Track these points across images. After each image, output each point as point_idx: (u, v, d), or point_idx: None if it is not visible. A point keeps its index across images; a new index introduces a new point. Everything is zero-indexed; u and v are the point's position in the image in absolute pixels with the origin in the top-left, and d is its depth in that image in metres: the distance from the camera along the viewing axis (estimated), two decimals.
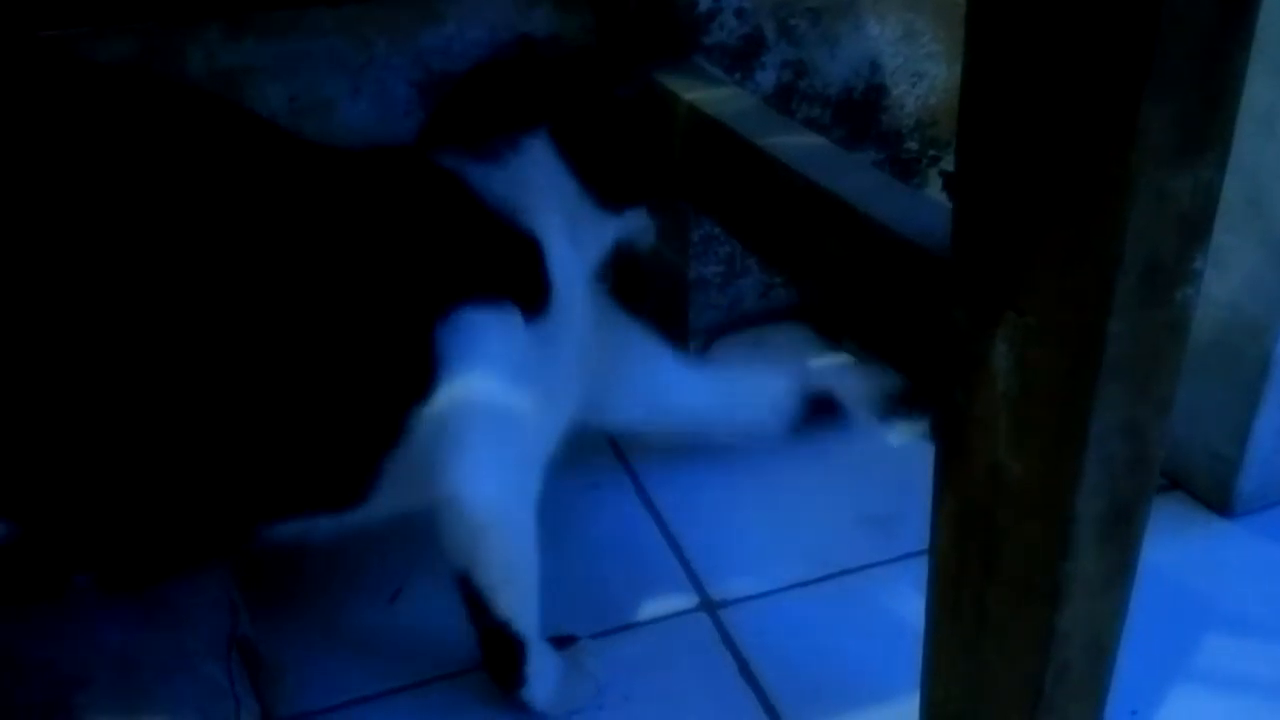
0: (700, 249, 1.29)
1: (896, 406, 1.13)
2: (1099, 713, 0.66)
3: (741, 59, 1.21)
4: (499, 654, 0.82)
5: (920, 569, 0.92)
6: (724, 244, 1.31)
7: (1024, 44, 0.50)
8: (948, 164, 1.35)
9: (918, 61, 1.28)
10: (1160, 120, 0.46)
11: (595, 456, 1.12)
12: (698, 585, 0.95)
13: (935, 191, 1.34)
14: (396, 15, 1.07)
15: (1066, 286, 0.52)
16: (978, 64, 0.54)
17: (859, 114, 1.29)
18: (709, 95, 0.94)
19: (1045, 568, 0.59)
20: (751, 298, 1.35)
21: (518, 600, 0.81)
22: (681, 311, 1.21)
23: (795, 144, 0.80)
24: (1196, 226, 0.50)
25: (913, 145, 1.33)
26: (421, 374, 0.74)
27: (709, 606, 0.93)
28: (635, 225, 0.99)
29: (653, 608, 0.93)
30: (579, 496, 1.06)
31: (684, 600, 0.94)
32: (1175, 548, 0.96)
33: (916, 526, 0.97)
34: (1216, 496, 1.00)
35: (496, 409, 0.77)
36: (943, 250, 0.63)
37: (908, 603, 0.91)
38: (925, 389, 0.66)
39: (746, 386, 1.10)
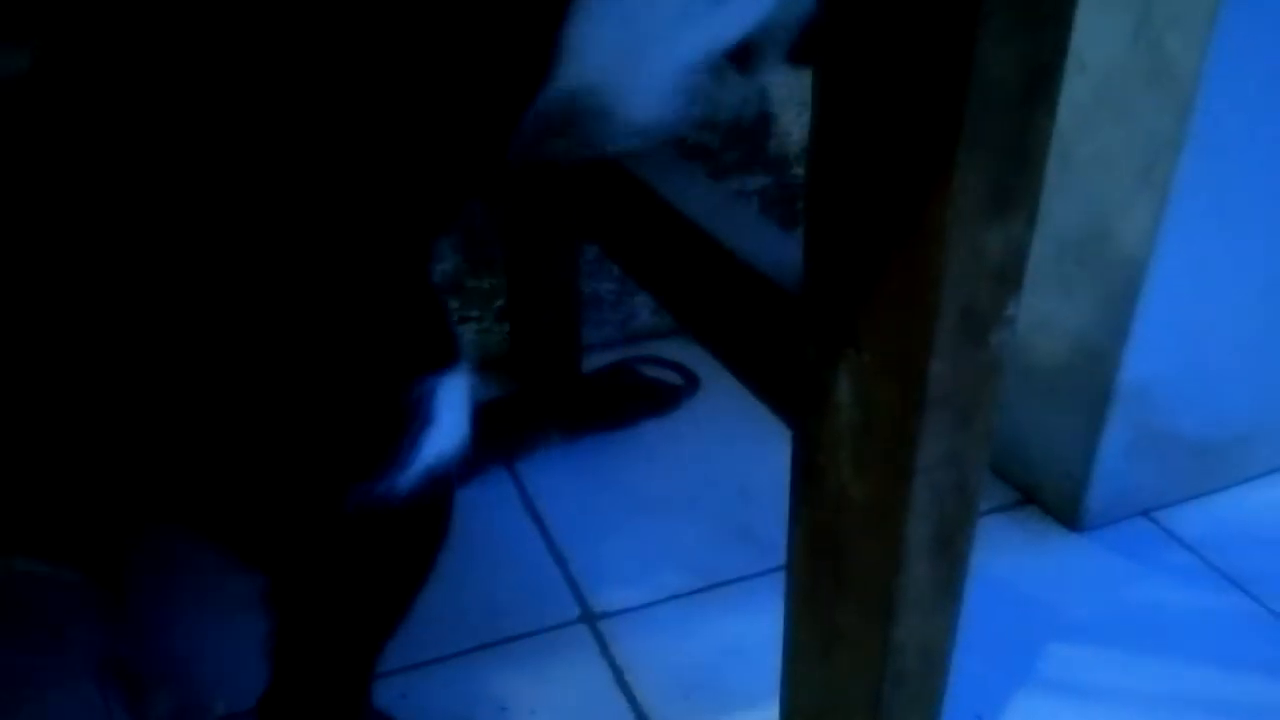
0: (594, 266, 1.32)
1: None
2: (936, 718, 0.71)
3: None
4: None
5: (783, 582, 0.98)
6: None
7: (858, 110, 0.55)
8: None
9: (804, 91, 1.33)
10: (972, 180, 0.51)
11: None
12: (579, 597, 0.99)
13: None
14: None
15: (895, 328, 0.57)
16: (822, 126, 0.58)
17: (749, 140, 1.34)
18: None
19: (882, 584, 0.64)
20: (645, 314, 1.39)
21: None
22: (574, 327, 1.24)
23: (674, 177, 0.84)
24: (1008, 277, 0.54)
25: (799, 171, 1.38)
26: None
27: (589, 618, 0.96)
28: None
29: (534, 620, 0.96)
30: (465, 507, 1.09)
31: (565, 612, 0.97)
32: (1027, 559, 1.03)
33: (784, 541, 1.03)
34: (1066, 511, 1.06)
35: None
36: (795, 286, 0.67)
37: (774, 614, 0.96)
38: (783, 416, 0.71)
39: None
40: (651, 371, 1.29)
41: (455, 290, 1.27)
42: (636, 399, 1.22)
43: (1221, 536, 1.06)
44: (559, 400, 1.22)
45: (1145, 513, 1.09)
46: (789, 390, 0.68)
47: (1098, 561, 1.03)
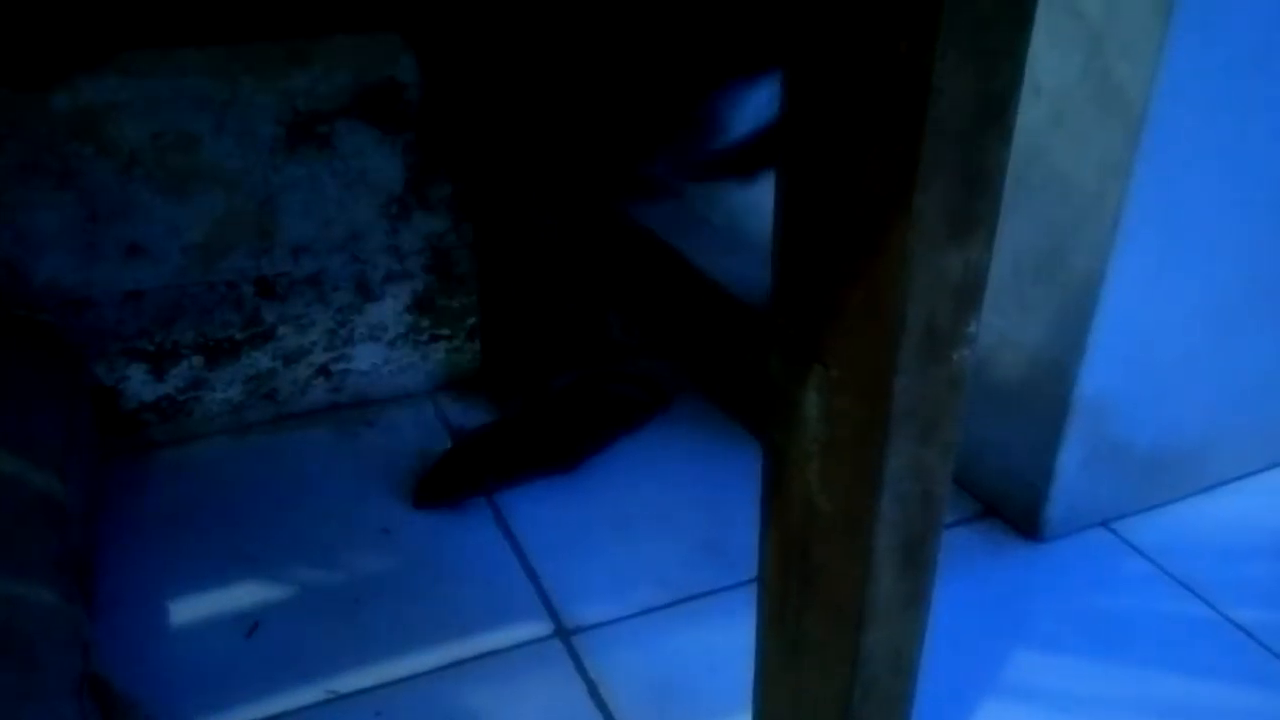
0: (561, 286, 1.34)
1: None
2: None
3: None
4: None
5: (754, 594, 1.00)
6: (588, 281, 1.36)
7: (822, 138, 0.57)
8: None
9: None
10: (932, 205, 0.53)
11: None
12: (553, 613, 1.00)
13: None
14: (264, 57, 1.09)
15: (861, 346, 0.59)
16: (789, 153, 0.60)
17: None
18: None
19: (852, 594, 0.66)
20: (614, 330, 1.41)
21: None
22: (548, 344, 1.26)
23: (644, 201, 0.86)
24: (968, 297, 0.57)
25: None
26: None
27: (563, 634, 0.98)
28: None
29: (508, 636, 0.97)
30: (439, 524, 1.10)
31: (539, 628, 0.98)
32: (988, 569, 1.05)
33: (753, 554, 1.05)
34: (1027, 522, 1.09)
35: None
36: (760, 304, 0.69)
37: (746, 625, 0.97)
38: (751, 431, 0.73)
39: None
40: (619, 387, 1.30)
41: (426, 309, 1.28)
42: (607, 417, 1.23)
43: (1178, 546, 1.09)
44: (533, 431, 1.23)
45: (1104, 523, 1.12)
46: (756, 405, 0.70)
47: (1058, 571, 1.06)
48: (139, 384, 1.19)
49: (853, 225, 0.57)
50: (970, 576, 1.04)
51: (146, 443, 1.21)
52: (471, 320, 1.32)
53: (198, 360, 1.20)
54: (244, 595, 1.00)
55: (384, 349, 1.29)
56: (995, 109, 0.53)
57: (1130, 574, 1.06)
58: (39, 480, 0.79)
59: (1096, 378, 1.00)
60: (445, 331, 1.31)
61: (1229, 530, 1.12)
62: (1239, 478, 1.19)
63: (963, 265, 0.55)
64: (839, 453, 0.63)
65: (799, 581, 0.71)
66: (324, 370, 1.27)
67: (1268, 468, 1.21)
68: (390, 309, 1.27)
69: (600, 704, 0.91)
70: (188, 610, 0.98)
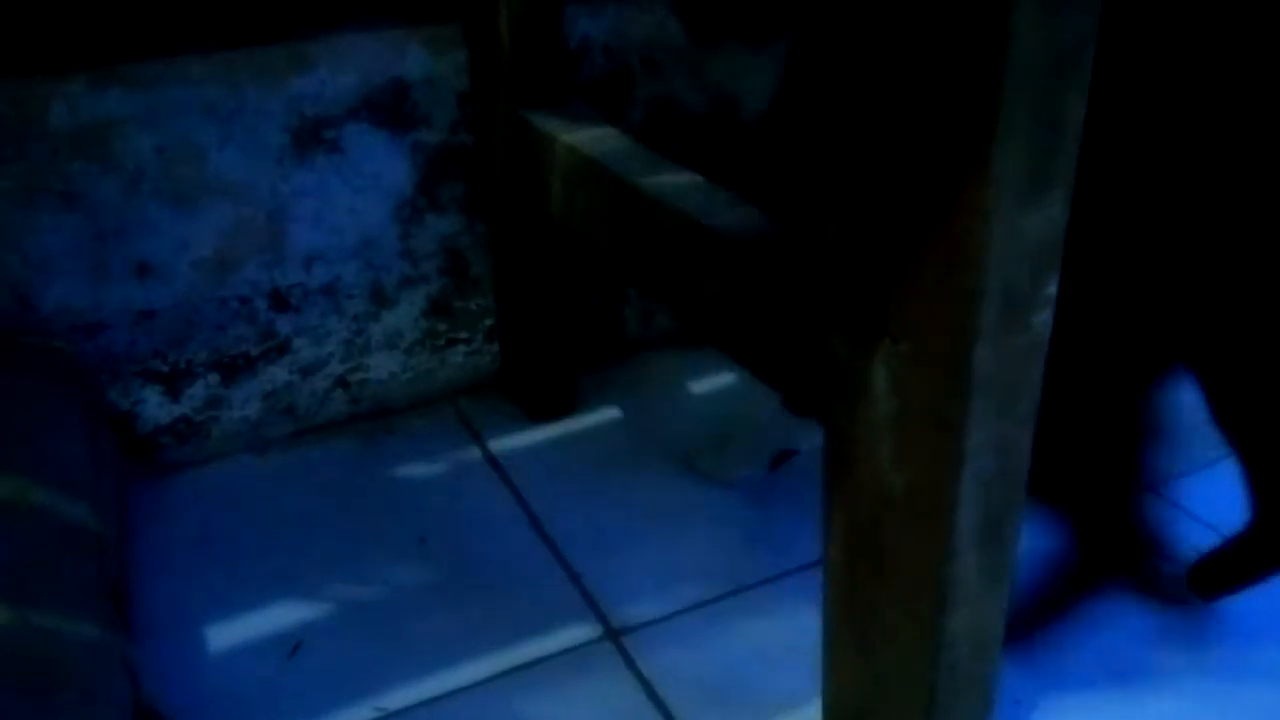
0: (579, 281, 1.31)
1: None
2: (988, 707, 0.71)
3: (611, 95, 1.24)
4: None
5: (807, 581, 0.97)
6: (605, 276, 1.34)
7: (891, 102, 0.55)
8: None
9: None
10: (1011, 164, 0.51)
11: (487, 494, 1.13)
12: (600, 615, 0.97)
13: None
14: (267, 61, 1.07)
15: (936, 316, 0.56)
16: (846, 123, 0.58)
17: (722, 145, 1.34)
18: (586, 136, 0.97)
19: (931, 575, 0.63)
20: (634, 325, 1.39)
21: None
22: (569, 343, 1.23)
23: (674, 183, 0.84)
24: (1047, 258, 0.54)
25: None
26: None
27: (612, 635, 0.95)
28: None
29: (557, 641, 0.94)
30: (475, 535, 1.07)
31: (587, 631, 0.96)
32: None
33: (802, 542, 1.02)
34: None
35: None
36: (819, 283, 0.67)
37: (801, 614, 0.95)
38: (810, 412, 0.70)
39: None
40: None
41: (442, 313, 1.26)
42: None
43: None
44: None
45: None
46: (817, 387, 0.68)
47: None
48: (154, 406, 1.16)
49: (923, 191, 0.54)
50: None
51: (166, 466, 1.18)
52: (489, 322, 1.29)
53: (213, 379, 1.17)
54: (283, 615, 0.98)
55: (401, 356, 1.26)
56: (1071, 60, 0.50)
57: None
58: (72, 510, 0.76)
59: None
60: (463, 335, 1.29)
61: None
62: None
63: (1042, 224, 0.53)
64: (914, 429, 0.61)
65: (870, 564, 0.68)
66: (342, 381, 1.24)
67: None
68: (406, 315, 1.24)
69: (659, 703, 0.88)
70: (227, 634, 0.96)
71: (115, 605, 0.74)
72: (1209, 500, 1.07)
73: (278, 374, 1.20)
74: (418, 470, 1.18)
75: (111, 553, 0.78)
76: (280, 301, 1.17)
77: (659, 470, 1.16)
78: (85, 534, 0.76)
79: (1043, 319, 0.56)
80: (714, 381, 1.32)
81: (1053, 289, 0.56)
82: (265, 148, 1.10)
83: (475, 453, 1.20)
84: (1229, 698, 0.88)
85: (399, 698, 0.89)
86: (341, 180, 1.15)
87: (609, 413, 1.27)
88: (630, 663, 0.92)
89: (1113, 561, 0.97)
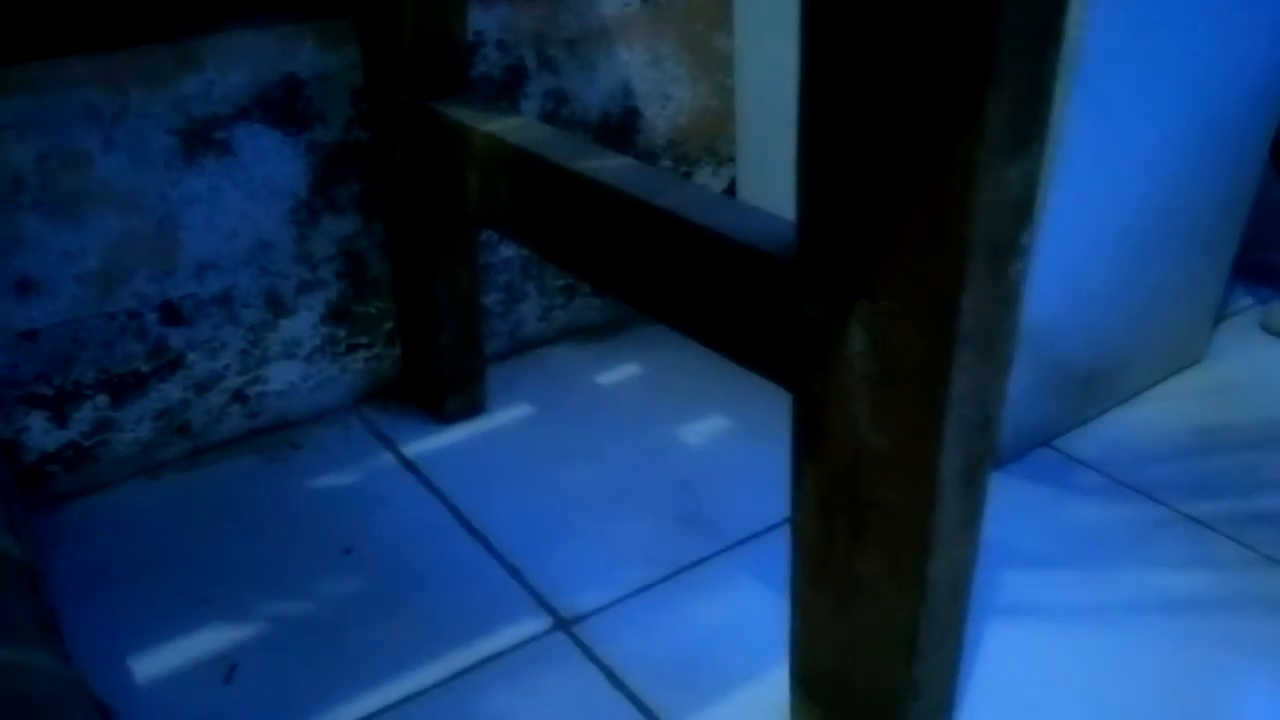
0: (480, 278, 1.30)
1: None
2: (958, 652, 0.74)
3: (506, 89, 1.23)
4: None
5: (742, 557, 0.99)
6: (502, 272, 1.33)
7: (872, 50, 0.57)
8: (701, 178, 1.44)
9: (665, 85, 1.35)
10: (999, 117, 0.53)
11: (409, 498, 1.10)
12: (547, 607, 0.96)
13: None
14: (153, 61, 1.01)
15: (923, 270, 0.59)
16: (825, 78, 0.60)
17: (617, 136, 1.35)
18: (505, 125, 0.96)
19: (915, 526, 0.66)
20: (531, 321, 1.38)
21: None
22: (476, 342, 1.21)
23: (612, 166, 0.84)
24: (1025, 209, 0.58)
25: (667, 162, 1.40)
26: None
27: (563, 625, 0.95)
28: None
29: (508, 636, 0.93)
30: (403, 540, 1.05)
31: (538, 623, 0.95)
32: None
33: (732, 520, 1.05)
34: None
35: None
36: (783, 251, 0.68)
37: (743, 588, 0.97)
38: (781, 381, 0.72)
39: None
40: None
41: (342, 318, 1.22)
42: None
43: (1117, 455, 1.15)
44: None
45: (1046, 442, 1.17)
46: (787, 354, 0.69)
47: (1019, 491, 1.10)
48: (40, 433, 1.08)
49: (911, 143, 0.56)
50: None
51: (55, 496, 1.10)
52: (389, 325, 1.26)
53: (102, 400, 1.10)
54: (211, 639, 0.93)
55: (301, 365, 1.22)
56: (1051, 24, 0.54)
57: (1085, 486, 1.11)
58: (2, 541, 0.70)
59: (1040, 305, 1.04)
60: (363, 340, 1.25)
61: (1156, 434, 1.19)
62: (1150, 386, 1.27)
63: (1022, 177, 0.56)
64: (895, 386, 0.63)
65: (848, 525, 0.70)
66: (239, 395, 1.19)
67: (1170, 375, 1.29)
68: (305, 322, 1.20)
69: (622, 688, 0.88)
70: (155, 663, 0.90)
71: (58, 637, 0.69)
72: None
73: (171, 391, 1.14)
74: (330, 480, 1.14)
75: (43, 583, 0.72)
76: (172, 314, 1.11)
77: (582, 461, 1.16)
78: (18, 565, 0.70)
79: (1019, 267, 0.59)
80: (620, 373, 1.33)
81: (1027, 238, 0.59)
82: (152, 152, 1.04)
83: (389, 459, 1.17)
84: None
85: (354, 709, 0.86)
86: (233, 184, 1.10)
87: (521, 409, 1.26)
88: (587, 651, 0.92)
89: None
